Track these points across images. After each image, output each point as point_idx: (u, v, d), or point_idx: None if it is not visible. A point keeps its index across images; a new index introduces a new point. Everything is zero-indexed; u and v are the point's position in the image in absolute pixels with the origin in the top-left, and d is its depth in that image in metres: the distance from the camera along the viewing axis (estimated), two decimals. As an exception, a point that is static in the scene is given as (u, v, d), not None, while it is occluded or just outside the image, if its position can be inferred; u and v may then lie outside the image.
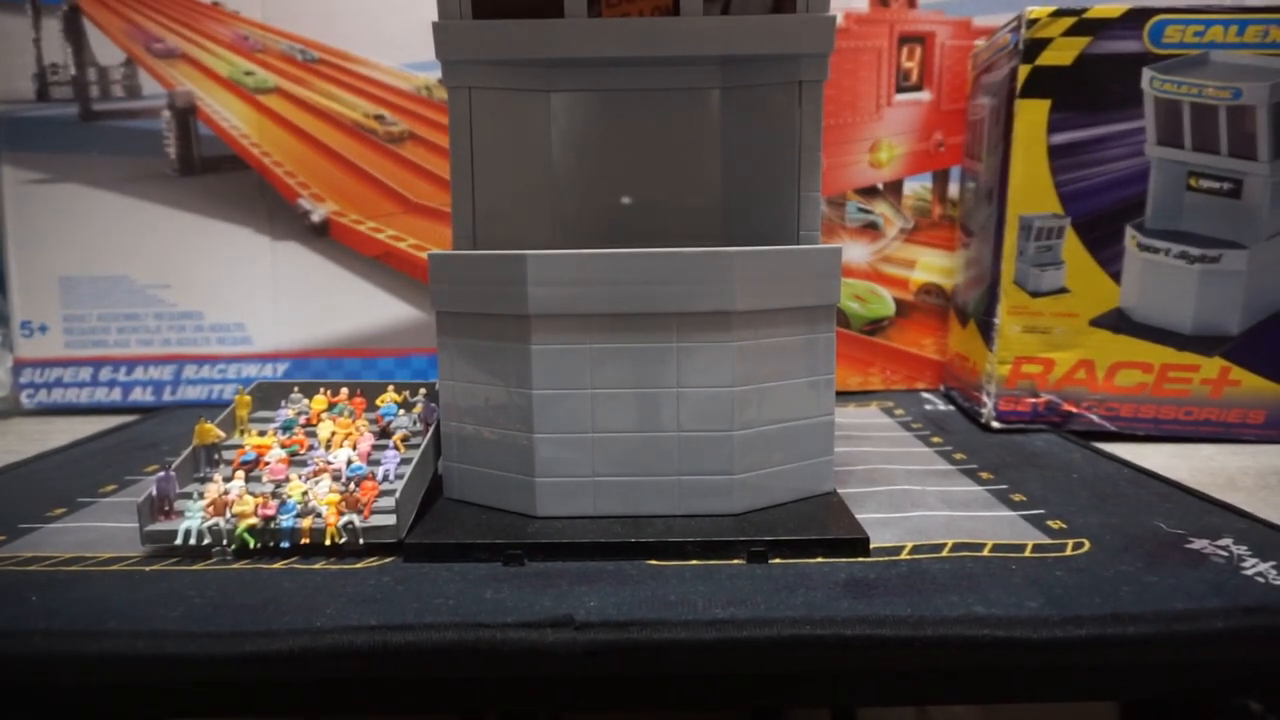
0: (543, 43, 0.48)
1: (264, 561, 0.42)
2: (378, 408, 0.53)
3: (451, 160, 0.50)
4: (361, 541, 0.43)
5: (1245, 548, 0.42)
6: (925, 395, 0.80)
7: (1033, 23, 0.62)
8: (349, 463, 0.47)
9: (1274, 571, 0.39)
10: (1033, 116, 0.63)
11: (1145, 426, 0.65)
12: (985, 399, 0.67)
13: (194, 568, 0.41)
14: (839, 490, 0.49)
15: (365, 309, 0.79)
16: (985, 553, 0.42)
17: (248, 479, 0.47)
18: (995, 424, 0.66)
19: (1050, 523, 0.46)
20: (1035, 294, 0.65)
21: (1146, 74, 0.62)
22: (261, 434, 0.51)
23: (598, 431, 0.45)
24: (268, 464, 0.47)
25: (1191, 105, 0.62)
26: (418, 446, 0.49)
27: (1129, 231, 0.63)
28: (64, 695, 0.36)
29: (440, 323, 0.48)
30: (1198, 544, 0.42)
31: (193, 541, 0.42)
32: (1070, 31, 0.62)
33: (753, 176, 0.53)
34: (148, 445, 0.65)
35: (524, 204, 0.53)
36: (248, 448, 0.49)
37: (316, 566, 0.41)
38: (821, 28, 0.47)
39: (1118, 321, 0.64)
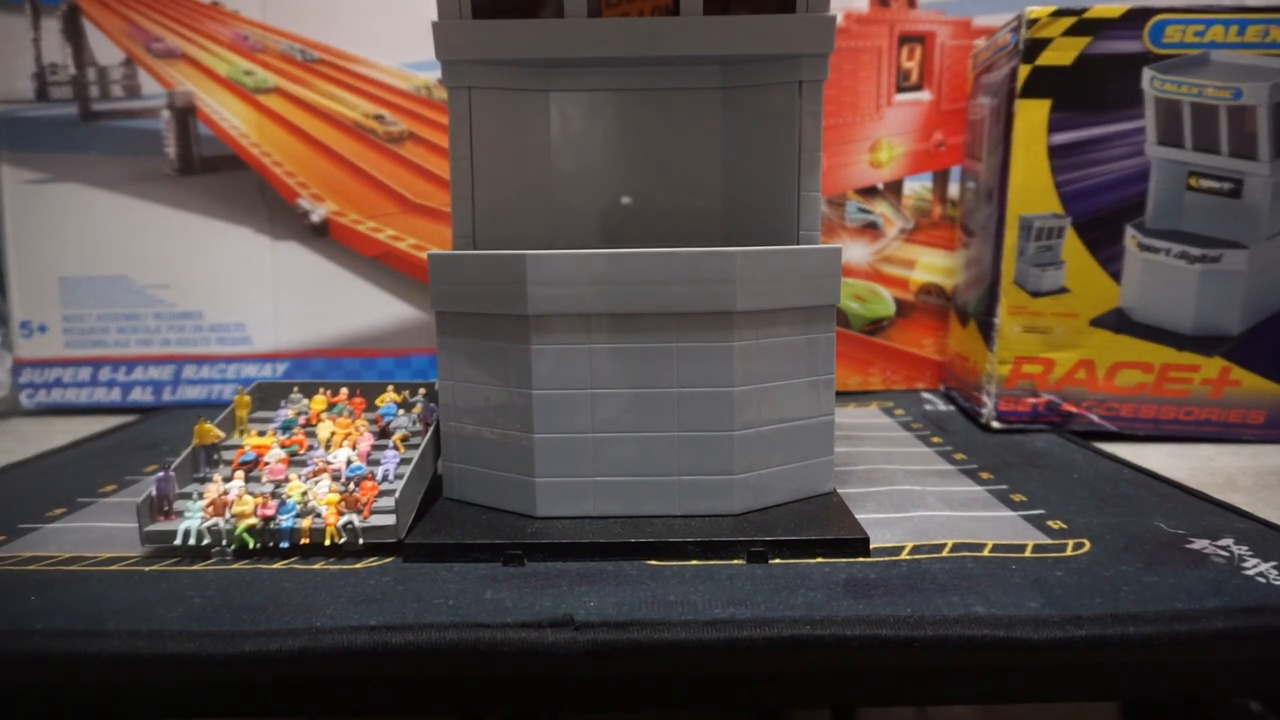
0: (543, 43, 0.48)
1: (264, 561, 0.42)
2: (377, 408, 0.53)
3: (451, 160, 0.50)
4: (361, 541, 0.43)
5: (1245, 548, 0.42)
6: (925, 395, 0.80)
7: (1033, 23, 0.62)
8: (349, 463, 0.47)
9: (1274, 571, 0.39)
10: (1033, 116, 0.63)
11: (1145, 426, 0.65)
12: (985, 399, 0.67)
13: (194, 568, 0.41)
14: (839, 490, 0.49)
15: (365, 309, 0.79)
16: (985, 553, 0.42)
17: (247, 479, 0.47)
18: (995, 424, 0.66)
19: (1050, 523, 0.46)
20: (1035, 294, 0.65)
21: (1147, 74, 0.62)
22: (261, 434, 0.51)
23: (598, 432, 0.45)
24: (267, 464, 0.47)
25: (1192, 105, 0.62)
26: (417, 446, 0.49)
27: (1129, 231, 0.63)
28: (64, 695, 0.36)
29: (440, 323, 0.48)
30: (1198, 544, 0.42)
31: (192, 541, 0.42)
32: (1070, 31, 0.62)
33: (753, 176, 0.53)
34: (147, 445, 0.65)
35: (524, 204, 0.53)
36: (247, 448, 0.49)
37: (316, 566, 0.41)
38: (821, 28, 0.47)
39: (1118, 321, 0.64)
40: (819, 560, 0.41)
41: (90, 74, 0.77)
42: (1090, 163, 0.63)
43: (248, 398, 0.54)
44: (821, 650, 0.34)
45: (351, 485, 0.44)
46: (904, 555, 0.42)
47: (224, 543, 0.43)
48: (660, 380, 0.44)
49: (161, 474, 0.45)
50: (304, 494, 0.44)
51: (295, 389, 0.56)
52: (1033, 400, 0.66)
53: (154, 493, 0.44)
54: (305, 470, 0.47)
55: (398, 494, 0.43)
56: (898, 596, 0.37)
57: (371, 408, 0.54)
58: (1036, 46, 0.62)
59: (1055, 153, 0.63)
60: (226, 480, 0.45)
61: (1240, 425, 0.64)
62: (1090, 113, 0.63)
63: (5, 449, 0.66)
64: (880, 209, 0.80)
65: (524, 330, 0.44)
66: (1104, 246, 0.64)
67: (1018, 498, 0.50)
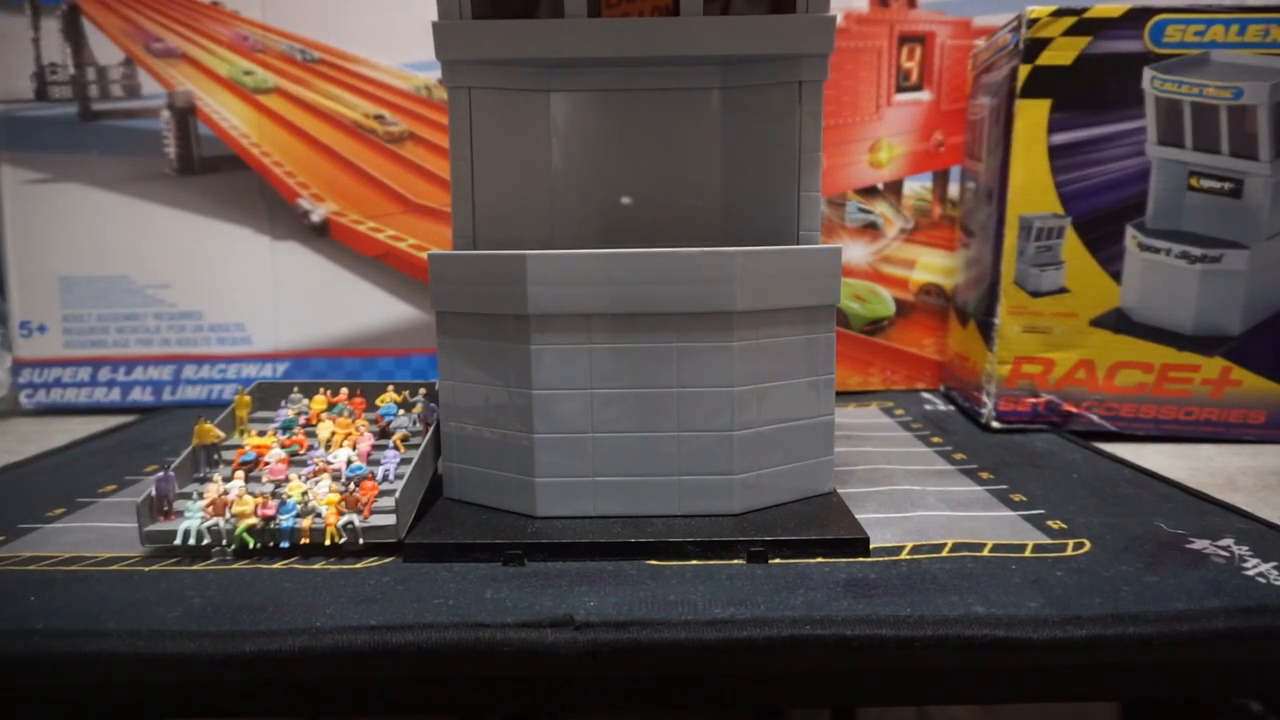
0: (543, 43, 0.48)
1: (264, 561, 0.42)
2: (378, 408, 0.53)
3: (451, 160, 0.50)
4: (361, 541, 0.43)
5: (1246, 548, 0.42)
6: (925, 395, 0.80)
7: (1033, 22, 0.62)
8: (349, 463, 0.47)
9: (1274, 572, 0.39)
10: (1033, 116, 0.63)
11: (1145, 426, 0.65)
12: (985, 399, 0.67)
13: (194, 568, 0.41)
14: (839, 490, 0.49)
15: (365, 309, 0.79)
16: (985, 553, 0.42)
17: (247, 479, 0.47)
18: (995, 424, 0.66)
19: (1050, 523, 0.46)
20: (1035, 294, 0.65)
21: (1147, 74, 0.62)
22: (261, 434, 0.51)
23: (598, 432, 0.45)
24: (267, 464, 0.47)
25: (1192, 105, 0.62)
26: (418, 446, 0.49)
27: (1129, 231, 0.63)
28: (64, 695, 0.36)
29: (440, 323, 0.48)
30: (1198, 544, 0.42)
31: (192, 541, 0.42)
32: (1070, 31, 0.62)
33: (753, 176, 0.53)
34: (147, 445, 0.65)
35: (524, 204, 0.53)
36: (247, 448, 0.49)
37: (316, 566, 0.41)
38: (821, 28, 0.47)
39: (1118, 321, 0.64)
40: (819, 560, 0.41)
41: (90, 74, 0.77)
42: (1090, 163, 0.63)
43: (248, 398, 0.54)
44: (821, 650, 0.34)
45: (351, 485, 0.44)
46: (904, 555, 0.42)
47: (224, 543, 0.43)
48: (660, 380, 0.44)
49: (161, 474, 0.45)
50: (304, 494, 0.44)
51: (295, 389, 0.56)
52: (1033, 400, 0.66)
53: (154, 493, 0.44)
54: (305, 470, 0.47)
55: (398, 494, 0.43)
56: (898, 596, 0.37)
57: (371, 408, 0.54)
58: (1036, 46, 0.62)
59: (1055, 153, 0.63)
60: (226, 480, 0.45)
61: (1240, 425, 0.64)
62: (1090, 113, 0.63)
63: (5, 449, 0.66)
64: (880, 209, 0.80)
65: (524, 330, 0.44)
66: (1104, 246, 0.64)
67: (1018, 498, 0.50)
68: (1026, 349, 0.65)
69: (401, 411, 0.53)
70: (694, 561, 0.41)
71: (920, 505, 0.49)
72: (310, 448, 0.50)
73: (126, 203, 0.78)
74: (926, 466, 0.56)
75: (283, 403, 0.55)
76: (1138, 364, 0.64)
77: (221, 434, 0.50)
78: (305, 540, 0.42)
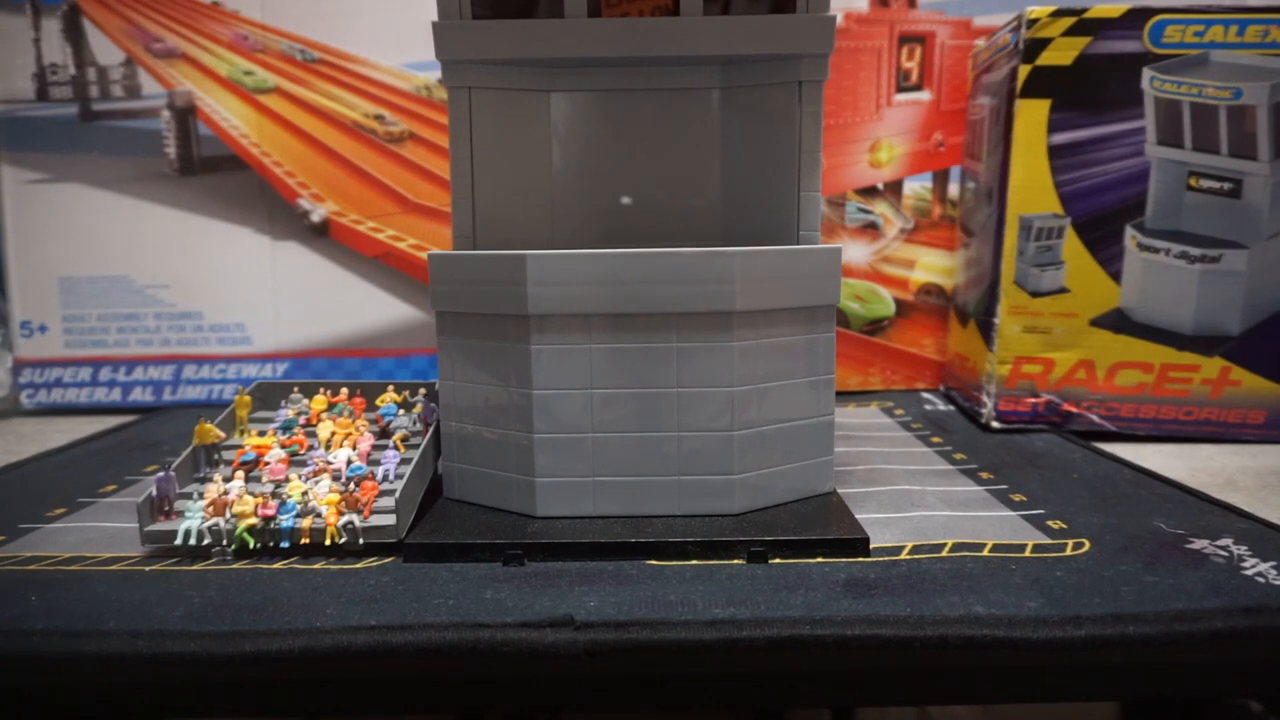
0: (543, 43, 0.48)
1: (264, 561, 0.42)
2: (378, 408, 0.53)
3: (451, 160, 0.50)
4: (361, 541, 0.43)
5: (1245, 548, 0.42)
6: (925, 395, 0.80)
7: (1033, 23, 0.62)
8: (349, 463, 0.47)
9: (1274, 571, 0.39)
10: (1033, 116, 0.63)
11: (1145, 426, 0.65)
12: (985, 399, 0.67)
13: (194, 568, 0.41)
14: (839, 490, 0.49)
15: (365, 309, 0.79)
16: (985, 553, 0.42)
17: (248, 479, 0.47)
18: (995, 424, 0.66)
19: (1050, 523, 0.46)
20: (1035, 294, 0.65)
21: (1146, 74, 0.62)
22: (261, 434, 0.51)
23: (598, 432, 0.45)
24: (268, 464, 0.47)
25: (1191, 105, 0.62)
26: (418, 446, 0.49)
27: (1129, 231, 0.63)
28: (64, 695, 0.36)
29: (440, 323, 0.48)
30: (1198, 544, 0.42)
31: (193, 541, 0.42)
32: (1070, 31, 0.62)
33: (753, 176, 0.53)
34: (148, 445, 0.65)
35: (524, 204, 0.53)
36: (248, 448, 0.49)
37: (316, 566, 0.41)
38: (821, 28, 0.47)
39: (1118, 321, 0.64)
40: (819, 560, 0.41)
41: (90, 74, 0.77)
42: (1090, 163, 0.63)
43: (248, 398, 0.54)
44: (821, 650, 0.34)
45: (351, 485, 0.44)
46: (904, 555, 0.42)
47: (224, 543, 0.43)
48: (660, 380, 0.44)
49: (161, 474, 0.45)
50: (304, 494, 0.44)
51: (295, 389, 0.56)
52: (1032, 400, 0.66)
53: (154, 493, 0.44)
54: (305, 470, 0.47)
55: (398, 494, 0.43)
56: (898, 596, 0.37)
57: (372, 408, 0.54)
58: (1036, 46, 0.62)
59: (1055, 153, 0.63)
60: (227, 480, 0.45)
61: (1240, 425, 0.64)
62: (1090, 113, 0.63)
63: (5, 449, 0.66)
64: (880, 209, 0.80)
65: (524, 330, 0.44)
66: (1104, 246, 0.64)
67: (1017, 497, 0.50)
68: (1026, 349, 0.65)
69: (401, 411, 0.53)
70: (694, 561, 0.41)
71: (920, 505, 0.49)
72: (310, 448, 0.50)
73: (126, 203, 0.78)
74: (926, 466, 0.56)
75: (283, 403, 0.55)
76: (1137, 364, 0.64)
77: (222, 434, 0.50)
78: (305, 540, 0.42)
